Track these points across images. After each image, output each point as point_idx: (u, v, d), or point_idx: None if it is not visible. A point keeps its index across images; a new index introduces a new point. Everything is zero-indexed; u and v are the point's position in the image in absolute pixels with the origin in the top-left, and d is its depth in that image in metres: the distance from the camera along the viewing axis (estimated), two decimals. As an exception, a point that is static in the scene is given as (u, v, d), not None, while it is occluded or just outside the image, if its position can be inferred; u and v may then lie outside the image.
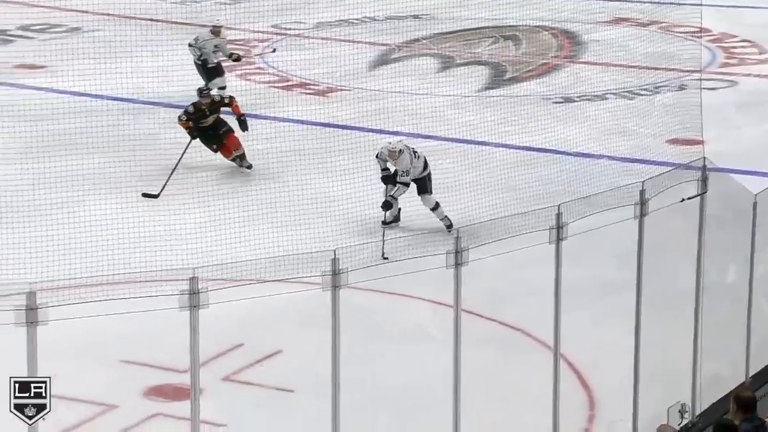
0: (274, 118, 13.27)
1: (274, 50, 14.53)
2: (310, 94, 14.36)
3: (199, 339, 5.90)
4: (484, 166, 11.88)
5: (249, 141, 11.78)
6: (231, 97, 11.60)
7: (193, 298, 5.85)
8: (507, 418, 7.67)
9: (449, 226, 10.28)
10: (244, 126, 11.61)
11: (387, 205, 10.26)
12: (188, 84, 13.18)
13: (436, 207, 10.39)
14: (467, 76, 15.08)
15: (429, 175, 10.44)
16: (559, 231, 6.63)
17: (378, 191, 10.81)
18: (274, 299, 7.83)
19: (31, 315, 5.64)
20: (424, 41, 16.74)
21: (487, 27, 17.30)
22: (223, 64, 13.83)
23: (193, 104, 11.33)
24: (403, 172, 10.27)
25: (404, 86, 14.13)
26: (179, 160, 10.86)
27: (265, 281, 8.09)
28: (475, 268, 6.42)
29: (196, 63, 13.63)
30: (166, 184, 10.55)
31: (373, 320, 8.81)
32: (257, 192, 11.15)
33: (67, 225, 10.03)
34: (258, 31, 14.35)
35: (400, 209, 10.50)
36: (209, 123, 11.32)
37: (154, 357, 8.12)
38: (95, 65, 12.83)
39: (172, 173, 10.64)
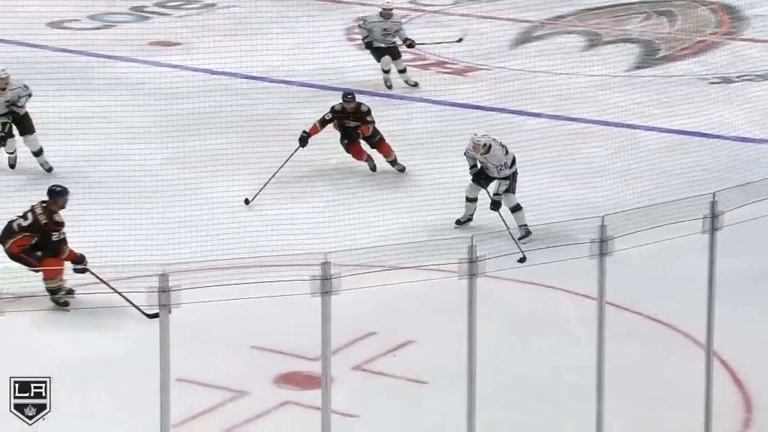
0: (411, 98, 13.32)
1: (459, 40, 14.19)
2: (447, 73, 14.37)
3: (330, 326, 6.00)
4: (633, 150, 11.71)
5: (384, 123, 11.87)
6: (374, 126, 11.24)
7: (326, 284, 5.94)
8: (653, 417, 7.58)
9: (524, 236, 9.86)
10: (374, 140, 11.26)
11: (496, 205, 9.97)
12: (322, 63, 13.34)
13: (517, 209, 10.03)
14: (616, 55, 14.85)
15: (515, 174, 10.11)
16: (713, 220, 6.51)
17: (521, 177, 10.79)
18: (409, 287, 7.91)
19: (163, 297, 5.83)
20: (570, 18, 16.54)
21: (639, 2, 16.98)
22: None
23: (341, 103, 11.22)
24: (500, 166, 9.99)
25: (548, 65, 14.01)
26: (280, 168, 10.70)
27: (399, 268, 8.17)
28: (621, 258, 6.36)
29: (364, 43, 13.66)
30: (261, 190, 10.49)
31: (511, 311, 8.81)
32: (391, 175, 11.24)
33: (198, 206, 10.31)
34: (395, 8, 14.38)
35: (475, 208, 10.21)
36: (351, 126, 11.29)
37: (285, 344, 8.26)
38: (229, 42, 13.12)
39: (269, 180, 10.57)
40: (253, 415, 7.62)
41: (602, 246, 6.26)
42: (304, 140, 11.01)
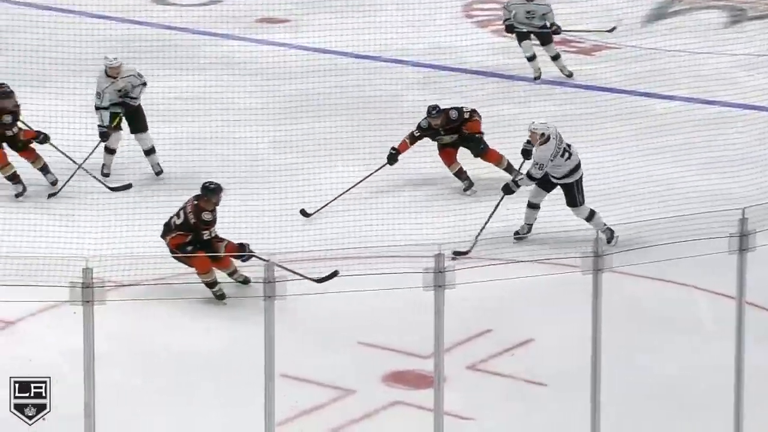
0: (533, 80, 13.22)
1: (613, 29, 13.84)
2: (573, 52, 14.23)
3: (444, 322, 6.01)
4: (778, 136, 11.47)
5: (504, 105, 11.82)
6: (472, 112, 10.68)
7: (439, 277, 5.96)
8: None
9: (611, 238, 9.51)
10: (477, 149, 10.66)
11: (506, 189, 9.71)
12: (437, 41, 13.32)
13: (591, 216, 9.65)
14: (762, 32, 14.51)
15: (578, 181, 9.63)
16: None
17: (649, 165, 10.64)
18: (527, 281, 7.87)
19: (268, 288, 5.92)
20: (710, -9, 16.21)
21: (788, -27, 16.55)
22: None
23: (427, 119, 10.59)
24: (535, 164, 9.55)
25: (684, 44, 13.77)
26: (357, 183, 10.39)
27: (518, 261, 8.15)
28: (763, 254, 6.23)
29: (505, 26, 13.45)
30: (328, 204, 10.22)
31: (639, 308, 8.71)
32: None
33: (305, 193, 10.41)
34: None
35: (536, 218, 9.77)
36: (447, 141, 10.73)
37: (395, 340, 8.30)
38: (339, 19, 13.20)
39: (340, 195, 10.27)
40: (361, 415, 7.68)
41: (742, 241, 6.15)
42: (392, 158, 10.55)
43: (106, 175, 10.79)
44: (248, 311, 8.55)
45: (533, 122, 9.82)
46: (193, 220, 8.81)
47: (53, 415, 7.15)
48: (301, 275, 8.29)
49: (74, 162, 10.64)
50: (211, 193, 8.87)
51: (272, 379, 6.00)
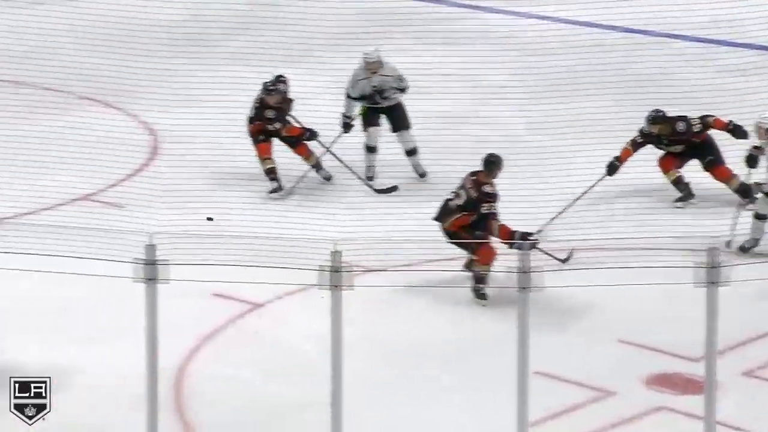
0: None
1: None
2: None
3: (717, 322, 5.78)
4: None
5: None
6: (704, 120, 10.05)
7: (713, 273, 5.76)
8: None
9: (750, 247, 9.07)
10: (739, 133, 9.91)
11: (744, 193, 9.41)
12: (717, 13, 12.86)
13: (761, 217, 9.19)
14: None
15: None
16: None
17: None
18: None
19: (523, 279, 5.83)
20: None
21: None
22: None
23: (649, 125, 10.19)
24: None
25: None
26: (581, 195, 9.96)
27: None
28: None
29: None
30: (555, 218, 9.78)
31: None
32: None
33: (560, 177, 10.23)
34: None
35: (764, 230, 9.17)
36: (673, 150, 10.19)
37: (660, 339, 8.11)
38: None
39: (564, 209, 9.73)
40: (621, 420, 7.54)
41: None
42: (613, 168, 10.09)
43: (370, 179, 10.64)
44: (497, 303, 8.48)
45: (761, 114, 9.39)
46: (474, 194, 8.78)
47: (298, 401, 7.28)
48: (549, 254, 8.20)
49: (342, 162, 10.54)
50: (493, 166, 8.88)
51: (526, 376, 5.91)
